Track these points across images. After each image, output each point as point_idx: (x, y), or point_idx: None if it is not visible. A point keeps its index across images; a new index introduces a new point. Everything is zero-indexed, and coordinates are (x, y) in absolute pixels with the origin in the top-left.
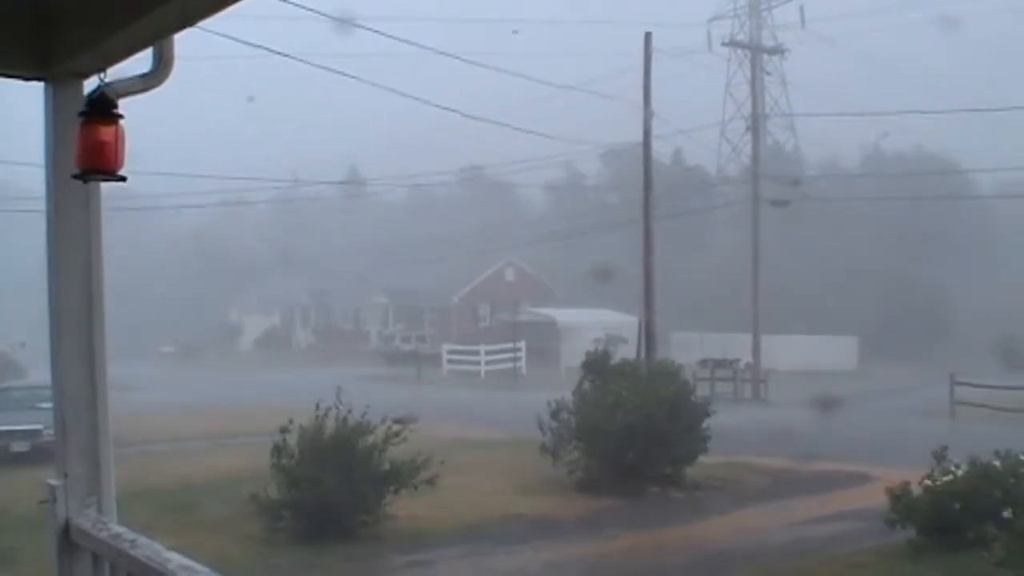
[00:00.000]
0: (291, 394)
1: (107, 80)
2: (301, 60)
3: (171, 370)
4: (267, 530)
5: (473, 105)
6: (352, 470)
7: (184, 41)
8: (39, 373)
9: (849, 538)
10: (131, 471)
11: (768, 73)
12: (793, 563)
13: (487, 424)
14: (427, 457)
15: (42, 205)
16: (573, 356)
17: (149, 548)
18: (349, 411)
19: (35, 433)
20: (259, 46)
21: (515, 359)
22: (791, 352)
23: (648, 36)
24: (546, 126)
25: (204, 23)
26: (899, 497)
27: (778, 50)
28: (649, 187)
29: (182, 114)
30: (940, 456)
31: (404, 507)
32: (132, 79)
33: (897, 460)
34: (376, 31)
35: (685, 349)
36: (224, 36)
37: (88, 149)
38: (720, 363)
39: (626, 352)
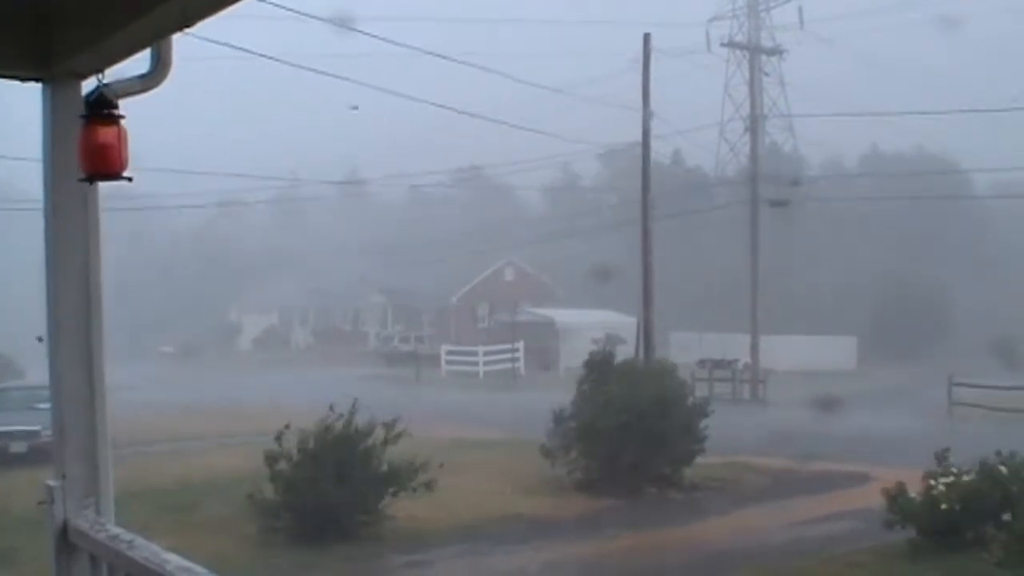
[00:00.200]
0: (289, 395)
1: (105, 81)
2: (287, 63)
3: (170, 370)
4: (265, 531)
5: (470, 105)
6: (350, 472)
7: (182, 42)
8: (38, 373)
9: (848, 538)
10: (129, 472)
11: (767, 74)
12: (792, 563)
13: (486, 425)
14: (425, 460)
15: (35, 204)
16: (572, 356)
17: (147, 549)
18: (352, 414)
19: (33, 434)
20: (245, 50)
21: (514, 360)
22: (790, 352)
23: (647, 37)
24: (544, 126)
25: (200, 26)
26: (895, 498)
27: (777, 51)
28: (648, 187)
29: (180, 114)
30: (941, 457)
31: (403, 508)
32: (131, 80)
33: (896, 460)
34: (370, 35)
35: (684, 349)
36: (210, 41)
37: (91, 151)
38: (719, 363)
39: (625, 352)
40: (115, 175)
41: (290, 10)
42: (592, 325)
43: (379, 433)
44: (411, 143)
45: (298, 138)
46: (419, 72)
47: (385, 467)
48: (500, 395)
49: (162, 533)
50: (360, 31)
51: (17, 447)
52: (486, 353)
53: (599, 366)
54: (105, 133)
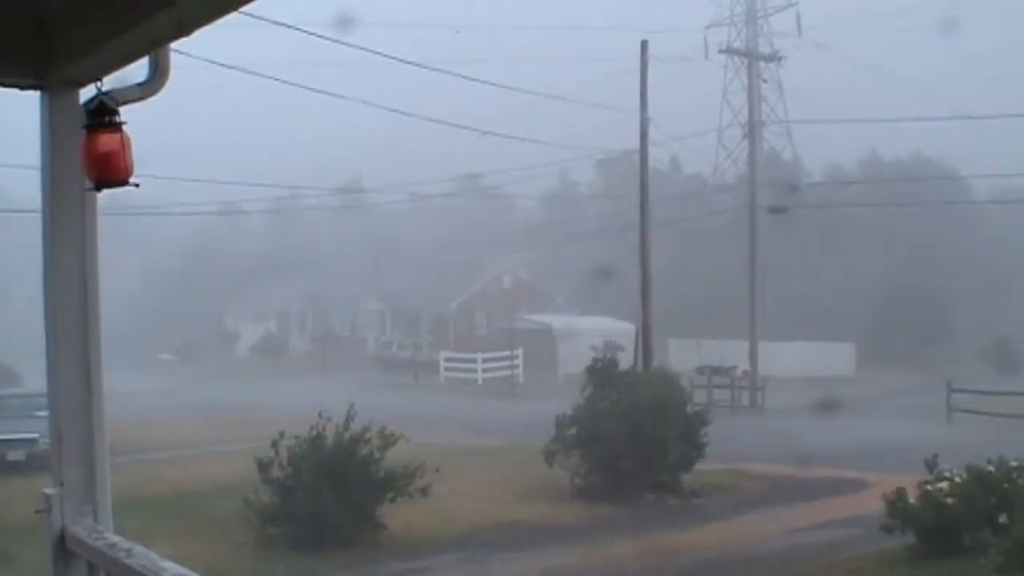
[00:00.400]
0: (288, 402)
1: (104, 88)
2: (279, 80)
3: (168, 377)
4: (262, 538)
5: (467, 111)
6: (346, 478)
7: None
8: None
9: (847, 544)
10: (127, 479)
11: (765, 80)
12: (791, 569)
13: (484, 431)
14: (419, 464)
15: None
16: (571, 363)
17: (145, 557)
18: (348, 420)
19: (31, 442)
20: (231, 66)
21: (512, 366)
22: (788, 359)
23: (644, 43)
24: (542, 133)
25: (197, 34)
26: (894, 503)
27: (775, 57)
28: (646, 194)
29: (177, 121)
30: (931, 464)
31: (400, 515)
32: (129, 87)
33: (894, 466)
34: (363, 48)
35: (682, 356)
36: (192, 56)
37: (96, 160)
38: (717, 370)
39: (623, 359)
40: (121, 182)
41: (281, 24)
42: (591, 332)
43: (374, 439)
44: (409, 151)
45: (296, 146)
46: (417, 79)
47: (382, 473)
48: (499, 402)
49: (160, 541)
50: (353, 44)
51: (15, 455)
52: (485, 360)
53: (599, 373)
54: (108, 141)
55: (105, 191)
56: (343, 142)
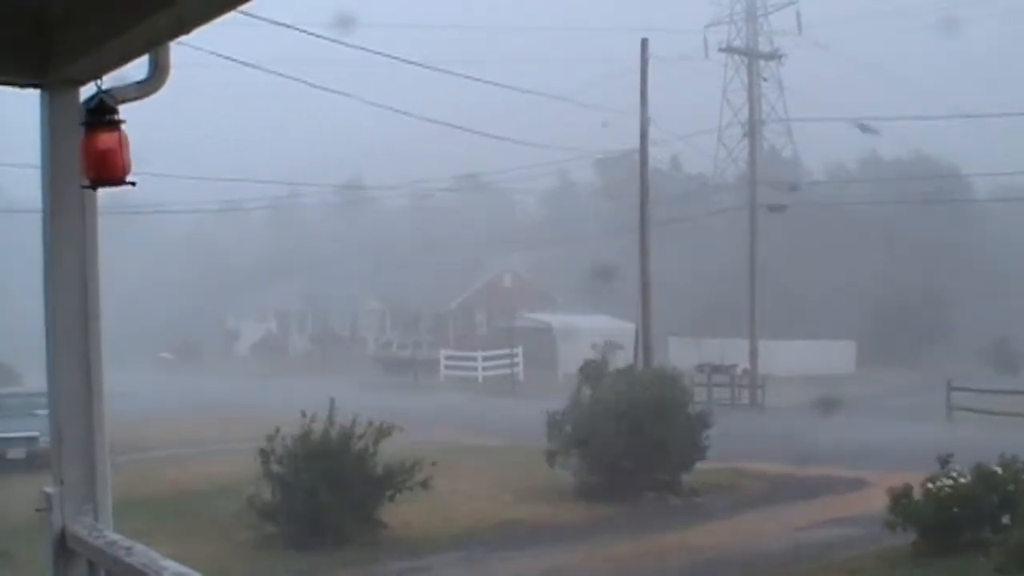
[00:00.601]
0: (288, 401)
1: (104, 87)
2: (283, 75)
3: (168, 376)
4: (262, 537)
5: (467, 111)
6: (345, 477)
7: (179, 48)
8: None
9: (847, 543)
10: (127, 478)
11: (765, 79)
12: (791, 569)
13: (484, 430)
14: (417, 460)
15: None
16: (571, 362)
17: (145, 556)
18: (333, 416)
19: (32, 440)
20: (235, 59)
21: (512, 365)
22: (789, 357)
23: (644, 43)
24: (542, 132)
25: (196, 33)
26: (899, 500)
27: (775, 56)
28: (646, 193)
29: (177, 119)
30: (944, 461)
31: (400, 513)
32: (129, 86)
33: (895, 465)
34: (364, 48)
35: (682, 355)
36: (209, 52)
37: (93, 158)
38: (717, 368)
39: (623, 358)
40: (118, 180)
41: (280, 24)
42: (591, 331)
43: (368, 433)
44: (409, 149)
45: (296, 144)
46: (418, 78)
47: (380, 470)
48: (499, 400)
49: (159, 540)
50: (352, 44)
51: (16, 453)
52: (485, 359)
53: (592, 373)
54: (106, 139)
55: (105, 190)
56: (343, 141)
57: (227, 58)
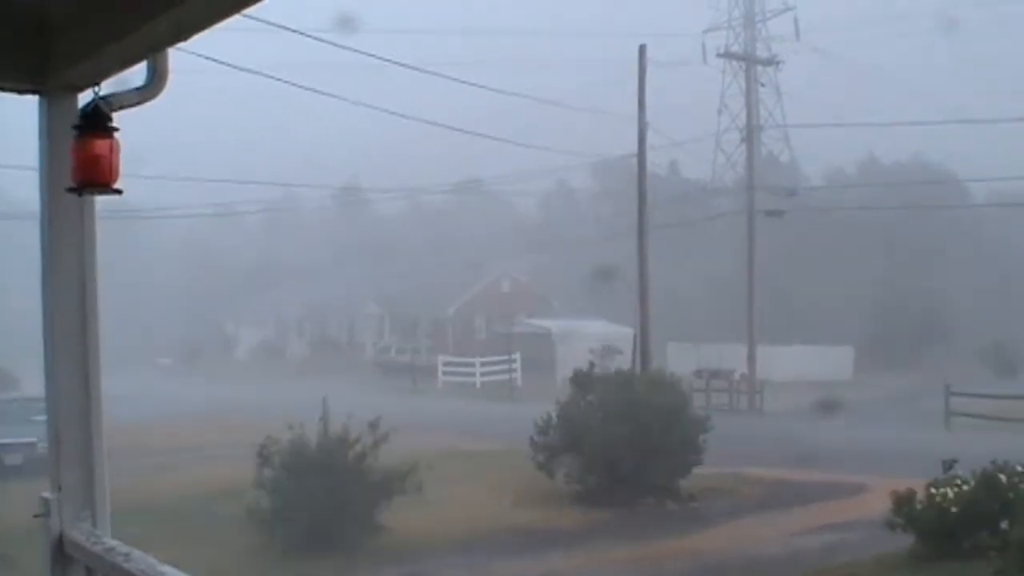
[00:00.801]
0: (286, 406)
1: (102, 93)
2: (281, 80)
3: (167, 381)
4: (260, 542)
5: (465, 115)
6: (342, 482)
7: (177, 55)
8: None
9: (846, 549)
10: (125, 483)
11: (763, 84)
12: (789, 574)
13: (483, 435)
14: (414, 463)
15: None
16: (569, 367)
17: (143, 562)
18: (326, 423)
19: (29, 446)
20: (234, 65)
21: (511, 370)
22: (787, 362)
23: (642, 48)
24: (541, 137)
25: (195, 39)
26: (901, 504)
27: (773, 61)
28: (643, 198)
29: (175, 123)
30: (948, 466)
31: (398, 518)
32: (127, 92)
33: (894, 471)
34: (361, 51)
35: (681, 359)
36: (206, 58)
37: (83, 162)
38: (715, 373)
39: (621, 363)
40: (105, 186)
41: (277, 26)
42: (589, 336)
43: (367, 439)
44: (408, 154)
45: (294, 148)
46: (415, 81)
47: (378, 476)
48: (497, 406)
49: (157, 545)
50: (350, 47)
51: (13, 459)
52: (483, 364)
53: (583, 380)
54: (98, 145)
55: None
56: (341, 145)
57: (224, 63)
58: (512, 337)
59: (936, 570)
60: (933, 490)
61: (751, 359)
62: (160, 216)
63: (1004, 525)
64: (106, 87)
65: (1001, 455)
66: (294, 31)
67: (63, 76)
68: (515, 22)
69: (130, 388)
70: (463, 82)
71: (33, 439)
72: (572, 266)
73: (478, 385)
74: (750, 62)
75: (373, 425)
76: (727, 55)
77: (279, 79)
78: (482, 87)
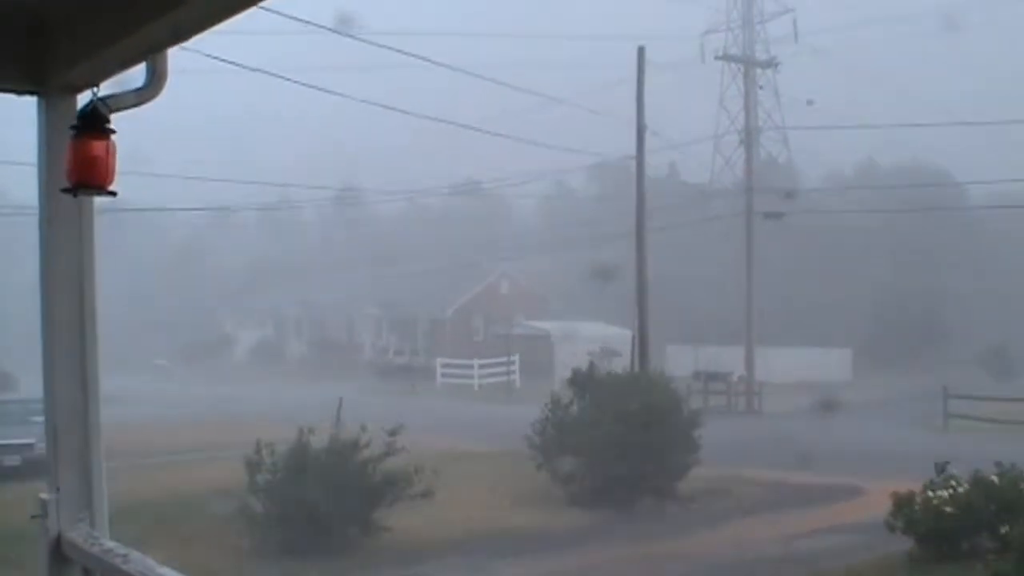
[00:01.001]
0: (284, 407)
1: (100, 94)
2: (282, 77)
3: (164, 382)
4: (258, 543)
5: (465, 116)
6: (341, 483)
7: (179, 55)
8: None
9: (843, 551)
10: (123, 484)
11: (761, 86)
12: None
13: (481, 437)
14: (419, 467)
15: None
16: (568, 369)
17: (141, 563)
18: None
19: (27, 447)
20: (240, 65)
21: (509, 372)
22: (785, 364)
23: (641, 50)
24: (539, 138)
25: (195, 40)
26: (901, 506)
27: (771, 63)
28: (642, 200)
29: (171, 123)
30: (941, 468)
31: (397, 520)
32: (125, 93)
33: (891, 472)
34: (369, 40)
35: (680, 361)
36: (206, 55)
37: (79, 164)
38: (714, 376)
39: (620, 364)
40: (100, 187)
41: (293, 17)
42: (588, 338)
43: (374, 444)
44: (406, 154)
45: (293, 148)
46: (415, 84)
47: (379, 478)
48: (496, 407)
49: (154, 546)
50: (349, 46)
51: (11, 460)
52: (481, 366)
53: (581, 382)
54: (95, 146)
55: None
56: (339, 146)
57: (224, 60)
58: (511, 339)
59: (935, 573)
60: (930, 493)
61: (749, 361)
62: (157, 210)
63: (1003, 529)
64: (105, 88)
65: (999, 458)
66: (296, 19)
67: (62, 77)
68: (514, 23)
69: (126, 389)
70: (466, 72)
71: (31, 440)
72: (571, 268)
73: (476, 387)
74: (749, 64)
75: (393, 432)
76: (726, 57)
77: (277, 74)
78: (481, 88)
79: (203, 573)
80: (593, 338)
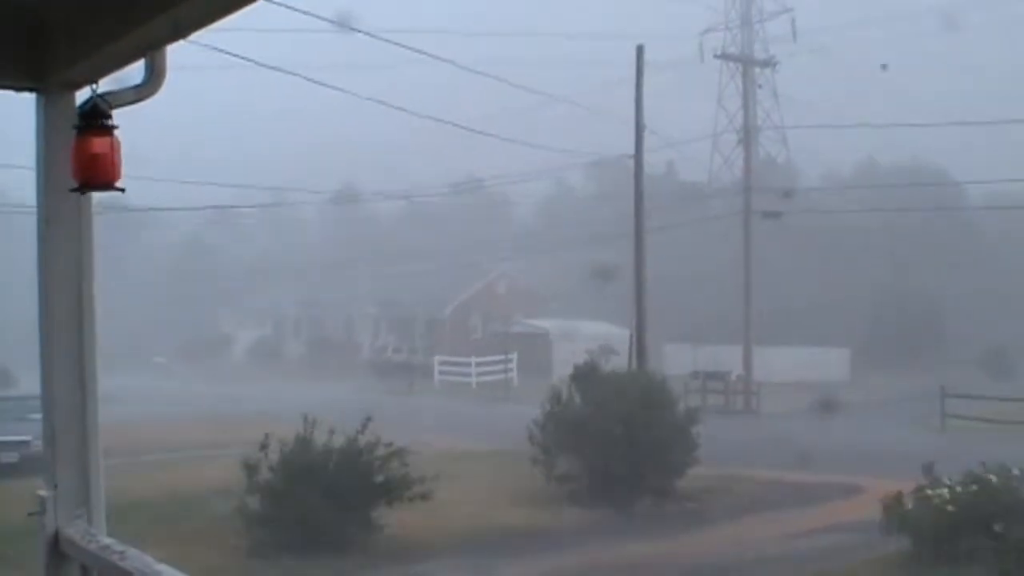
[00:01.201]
0: (282, 406)
1: (99, 91)
2: (283, 71)
3: (162, 380)
4: (256, 542)
5: (463, 115)
6: (340, 482)
7: (178, 51)
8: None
9: (841, 550)
10: (121, 481)
11: (760, 86)
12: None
13: (479, 435)
14: (420, 476)
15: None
16: (566, 368)
17: (139, 560)
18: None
19: (24, 444)
20: (246, 59)
21: (507, 370)
22: (783, 364)
23: (640, 49)
24: (537, 137)
25: (194, 37)
26: (891, 508)
27: (770, 62)
28: (641, 199)
29: (168, 121)
30: (928, 469)
31: (396, 519)
32: (124, 90)
33: (889, 472)
34: (367, 33)
35: (678, 360)
36: (206, 46)
37: (84, 161)
38: (712, 375)
39: (618, 363)
40: (108, 184)
41: (293, 8)
42: (586, 337)
43: (377, 447)
44: (405, 151)
45: (292, 146)
46: (415, 81)
47: (379, 478)
48: (493, 406)
49: (152, 544)
50: (347, 45)
51: (8, 457)
52: (479, 364)
53: (582, 379)
54: (98, 143)
55: (101, 194)
56: (338, 145)
57: (226, 51)
58: (509, 337)
59: (930, 572)
60: (929, 492)
61: (748, 360)
62: (157, 209)
63: (998, 528)
64: (104, 85)
65: (996, 458)
66: (291, 6)
67: (61, 74)
68: (514, 22)
69: (124, 387)
70: (467, 69)
71: (28, 437)
72: (570, 266)
73: (474, 385)
74: (748, 63)
75: (390, 450)
76: (724, 56)
77: (277, 68)
78: (480, 87)
79: (202, 572)
80: (591, 337)
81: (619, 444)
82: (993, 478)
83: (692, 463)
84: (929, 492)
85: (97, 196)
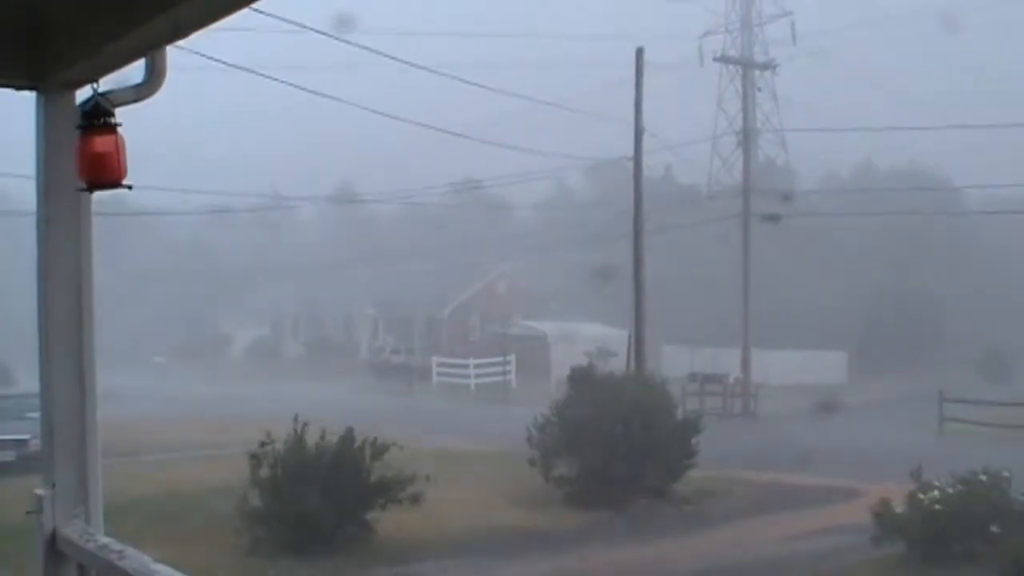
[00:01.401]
0: (281, 406)
1: (100, 90)
2: (278, 80)
3: (161, 380)
4: (253, 541)
5: (463, 117)
6: (337, 483)
7: (177, 52)
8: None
9: (838, 552)
10: (119, 481)
11: (759, 88)
12: None
13: (476, 436)
14: (411, 475)
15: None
16: (564, 369)
17: (137, 560)
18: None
19: (22, 443)
20: (244, 68)
21: (505, 372)
22: (781, 367)
23: (639, 51)
24: (537, 140)
25: (193, 37)
26: (880, 514)
27: (769, 65)
28: (640, 201)
29: (170, 124)
30: (917, 474)
31: (393, 519)
32: (124, 89)
33: (886, 475)
34: (359, 45)
35: (676, 363)
36: (204, 56)
37: (89, 161)
38: (709, 377)
39: (616, 365)
40: (114, 183)
41: (286, 21)
42: (585, 339)
43: (365, 446)
44: (404, 156)
45: (290, 148)
46: (411, 83)
47: (373, 479)
48: (491, 407)
49: (150, 543)
50: (347, 45)
51: (5, 455)
52: (477, 365)
53: (585, 380)
54: (103, 142)
55: (101, 194)
56: (336, 146)
57: (221, 61)
58: (507, 339)
59: (926, 574)
60: (922, 496)
61: (745, 363)
62: (156, 213)
63: (994, 529)
64: (103, 85)
65: (993, 462)
66: (278, 17)
67: (61, 73)
68: (513, 23)
69: (124, 386)
70: (463, 80)
71: (26, 436)
72: (569, 267)
73: (472, 387)
74: (747, 66)
75: (375, 446)
76: (724, 59)
77: (273, 77)
78: (479, 87)
79: (201, 571)
80: (590, 338)
81: (617, 446)
82: (983, 478)
83: (690, 465)
84: (920, 496)
85: (97, 197)
